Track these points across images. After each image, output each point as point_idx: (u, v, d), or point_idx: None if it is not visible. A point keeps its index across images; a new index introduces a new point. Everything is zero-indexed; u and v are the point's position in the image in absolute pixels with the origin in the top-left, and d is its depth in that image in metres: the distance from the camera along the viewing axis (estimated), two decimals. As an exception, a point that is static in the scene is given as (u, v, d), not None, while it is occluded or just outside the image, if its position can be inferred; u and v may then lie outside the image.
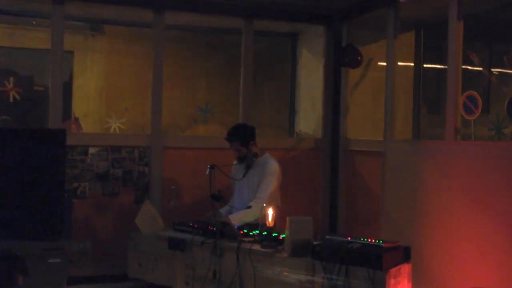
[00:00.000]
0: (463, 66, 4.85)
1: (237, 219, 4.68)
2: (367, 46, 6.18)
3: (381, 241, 3.78)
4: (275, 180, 4.90)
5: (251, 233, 4.42)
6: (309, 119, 6.80)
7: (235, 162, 5.11)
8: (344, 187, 6.18)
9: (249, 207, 4.78)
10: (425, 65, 6.40)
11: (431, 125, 6.64)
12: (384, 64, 5.65)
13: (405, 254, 3.86)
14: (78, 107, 7.48)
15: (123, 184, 5.72)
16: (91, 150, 5.63)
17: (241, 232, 4.44)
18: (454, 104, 4.70)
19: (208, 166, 4.59)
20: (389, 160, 5.40)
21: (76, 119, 7.32)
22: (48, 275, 4.39)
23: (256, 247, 4.15)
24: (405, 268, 3.82)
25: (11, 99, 6.85)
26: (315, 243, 3.94)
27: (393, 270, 3.65)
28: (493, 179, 4.20)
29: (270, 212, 4.17)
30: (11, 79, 6.91)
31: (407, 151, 5.21)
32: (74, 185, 5.55)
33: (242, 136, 4.97)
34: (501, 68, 5.76)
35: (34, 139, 4.75)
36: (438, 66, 6.63)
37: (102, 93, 7.65)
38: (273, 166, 4.94)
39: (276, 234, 4.21)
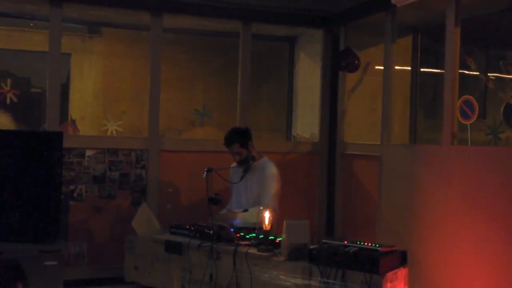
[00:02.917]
0: (460, 71, 4.86)
1: (242, 216, 4.70)
2: (365, 50, 6.19)
3: (377, 245, 3.79)
4: (276, 184, 4.90)
5: (247, 236, 4.42)
6: (306, 122, 6.81)
7: (233, 164, 5.11)
8: (341, 190, 6.19)
9: (246, 210, 4.78)
10: (422, 69, 6.41)
11: (428, 129, 6.65)
12: (382, 68, 5.66)
13: (401, 258, 3.86)
14: (75, 110, 7.48)
15: (120, 187, 5.72)
16: (88, 153, 5.63)
17: (238, 235, 4.44)
18: (451, 109, 4.71)
19: (205, 169, 4.58)
20: (386, 164, 5.41)
21: (73, 122, 7.31)
22: (45, 277, 4.38)
23: (253, 250, 4.15)
24: (402, 272, 3.82)
25: (8, 101, 6.84)
26: (311, 246, 3.93)
27: (389, 274, 3.65)
28: (490, 184, 4.21)
29: (267, 215, 4.17)
30: (9, 81, 6.90)
31: (404, 155, 5.22)
32: (71, 188, 5.55)
33: (239, 137, 4.96)
34: (498, 73, 5.77)
35: (31, 141, 4.74)
36: (435, 70, 6.64)
37: (99, 96, 7.65)
38: (272, 170, 4.94)
39: (272, 238, 4.21)
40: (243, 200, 4.99)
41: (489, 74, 5.94)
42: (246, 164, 4.95)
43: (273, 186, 4.88)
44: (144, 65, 6.15)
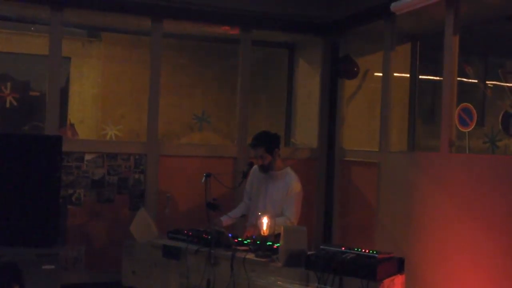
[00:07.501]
0: (459, 79, 4.88)
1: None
2: (364, 57, 6.21)
3: (375, 252, 3.79)
4: (300, 201, 4.81)
5: (245, 242, 4.42)
6: (305, 129, 6.82)
7: (254, 165, 4.96)
8: (339, 197, 6.20)
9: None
10: (421, 77, 6.44)
11: (426, 136, 6.67)
12: (380, 75, 5.68)
13: (399, 265, 3.86)
14: (74, 114, 7.49)
15: (118, 191, 5.72)
16: (87, 157, 5.63)
17: (236, 240, 4.44)
18: (449, 116, 4.73)
19: (204, 174, 4.59)
20: (384, 171, 5.42)
21: (72, 126, 7.32)
22: (42, 281, 4.38)
23: (251, 256, 4.15)
24: (399, 279, 3.83)
25: (8, 105, 6.85)
26: (309, 253, 3.94)
27: (386, 281, 3.66)
28: (487, 191, 4.23)
29: (265, 221, 4.18)
30: (8, 84, 6.91)
31: (402, 162, 5.23)
32: (69, 192, 5.55)
33: (267, 142, 4.81)
34: (496, 81, 5.80)
35: (30, 145, 4.75)
36: (434, 78, 6.67)
37: (98, 100, 7.66)
38: (298, 188, 4.81)
39: (270, 243, 4.21)
40: (259, 204, 4.86)
41: (487, 82, 5.97)
42: (265, 172, 4.85)
43: (298, 205, 4.79)
44: (143, 69, 6.16)
